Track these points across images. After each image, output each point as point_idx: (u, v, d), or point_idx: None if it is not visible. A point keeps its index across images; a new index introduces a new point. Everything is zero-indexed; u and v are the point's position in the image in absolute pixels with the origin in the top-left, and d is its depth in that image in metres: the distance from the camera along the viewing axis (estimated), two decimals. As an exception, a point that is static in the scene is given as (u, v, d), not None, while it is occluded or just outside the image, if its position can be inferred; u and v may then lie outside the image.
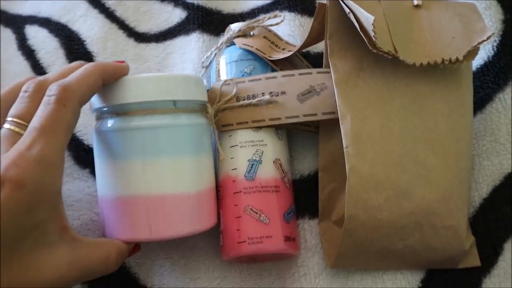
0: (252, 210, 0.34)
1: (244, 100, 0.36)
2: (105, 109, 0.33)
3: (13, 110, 0.28)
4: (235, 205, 0.35)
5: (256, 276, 0.37)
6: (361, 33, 0.32)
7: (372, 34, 0.31)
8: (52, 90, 0.28)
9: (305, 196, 0.38)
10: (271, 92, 0.36)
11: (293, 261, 0.37)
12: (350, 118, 0.33)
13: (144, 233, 0.32)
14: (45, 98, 0.28)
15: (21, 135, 0.27)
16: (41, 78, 0.30)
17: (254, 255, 0.34)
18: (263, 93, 0.36)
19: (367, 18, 0.32)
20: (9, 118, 0.28)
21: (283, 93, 0.36)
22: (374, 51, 0.32)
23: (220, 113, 0.36)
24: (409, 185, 0.33)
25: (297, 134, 0.40)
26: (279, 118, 0.36)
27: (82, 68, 0.30)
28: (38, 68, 0.43)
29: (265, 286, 0.37)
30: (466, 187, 0.35)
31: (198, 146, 0.34)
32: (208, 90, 0.37)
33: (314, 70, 0.37)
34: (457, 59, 0.33)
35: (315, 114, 0.36)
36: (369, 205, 0.32)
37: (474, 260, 0.36)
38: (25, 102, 0.28)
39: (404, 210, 0.33)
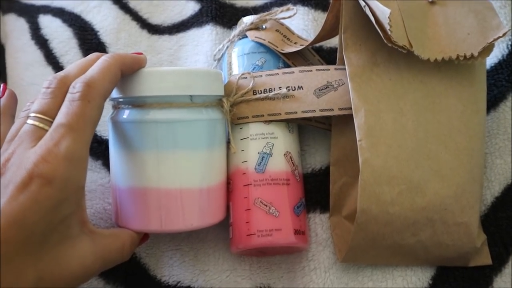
0: (262, 203, 0.34)
1: (260, 93, 0.36)
2: (121, 99, 0.33)
3: (36, 106, 0.28)
4: (245, 198, 0.35)
5: (266, 269, 0.37)
6: (376, 26, 0.32)
7: (387, 27, 0.31)
8: (76, 87, 0.28)
9: (316, 190, 0.38)
10: (288, 87, 0.36)
11: (303, 255, 0.37)
12: (364, 112, 0.33)
13: (155, 224, 0.32)
14: (69, 95, 0.28)
15: (45, 130, 0.27)
16: (62, 74, 0.29)
17: (263, 247, 0.34)
18: (280, 87, 0.36)
19: (383, 11, 0.31)
20: (32, 114, 0.28)
21: (300, 87, 0.36)
22: (389, 45, 0.32)
23: (235, 106, 0.36)
24: (422, 180, 0.33)
25: (309, 128, 0.39)
26: (295, 112, 0.36)
27: (102, 61, 0.30)
28: (51, 58, 0.43)
29: (274, 280, 0.37)
30: (478, 184, 0.35)
31: (212, 140, 0.33)
32: (225, 84, 0.37)
33: (331, 67, 0.36)
34: (472, 55, 0.33)
35: (332, 109, 0.35)
36: (381, 199, 0.32)
37: (485, 259, 0.36)
38: (48, 98, 0.28)
39: (416, 205, 0.33)
